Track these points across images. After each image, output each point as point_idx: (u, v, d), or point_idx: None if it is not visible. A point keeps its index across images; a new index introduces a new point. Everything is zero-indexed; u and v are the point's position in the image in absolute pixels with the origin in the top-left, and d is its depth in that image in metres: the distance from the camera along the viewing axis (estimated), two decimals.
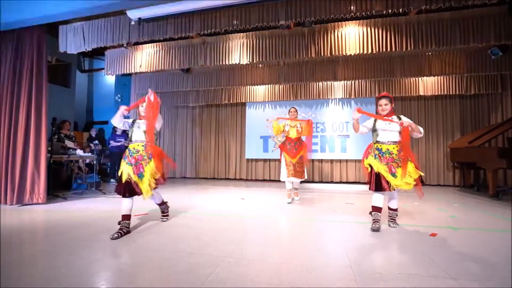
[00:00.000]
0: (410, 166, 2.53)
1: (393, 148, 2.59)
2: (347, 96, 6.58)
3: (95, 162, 5.32)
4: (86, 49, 4.67)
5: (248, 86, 6.89)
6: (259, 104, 7.61)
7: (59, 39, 4.72)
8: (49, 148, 4.19)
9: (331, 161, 7.13)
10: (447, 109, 6.61)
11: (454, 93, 6.07)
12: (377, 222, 2.59)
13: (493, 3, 3.40)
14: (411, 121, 2.58)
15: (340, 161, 7.08)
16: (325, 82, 6.51)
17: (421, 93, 6.24)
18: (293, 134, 4.01)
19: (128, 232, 2.49)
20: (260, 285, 1.52)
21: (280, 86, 6.89)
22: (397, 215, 2.78)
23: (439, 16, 4.19)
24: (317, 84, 6.70)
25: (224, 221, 3.01)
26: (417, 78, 6.11)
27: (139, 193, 2.46)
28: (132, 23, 4.11)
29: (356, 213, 3.39)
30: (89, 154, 5.49)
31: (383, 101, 2.65)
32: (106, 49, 5.78)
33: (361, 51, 4.44)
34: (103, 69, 6.42)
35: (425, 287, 1.50)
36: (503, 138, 5.46)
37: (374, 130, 2.71)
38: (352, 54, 4.54)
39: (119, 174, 2.51)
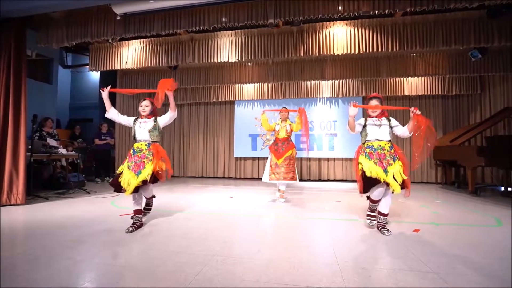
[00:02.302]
0: (398, 166, 2.44)
1: (385, 144, 2.51)
2: (335, 95, 6.69)
3: (79, 160, 5.16)
4: (68, 44, 4.51)
5: (237, 84, 6.86)
6: (247, 102, 7.60)
7: (40, 33, 4.53)
8: (30, 147, 4.02)
9: (319, 159, 7.22)
10: (430, 108, 6.83)
11: (436, 93, 6.29)
12: (372, 219, 2.60)
13: (473, 7, 3.54)
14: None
15: (328, 159, 7.18)
16: (313, 81, 6.57)
17: (406, 93, 6.42)
18: (282, 134, 3.97)
19: (141, 225, 2.64)
20: (248, 283, 1.52)
21: (269, 84, 6.91)
22: (387, 222, 2.60)
23: (423, 18, 4.31)
24: (306, 83, 6.76)
25: (212, 220, 3.00)
26: (402, 79, 6.28)
27: (124, 190, 2.47)
28: (118, 18, 3.99)
29: (343, 211, 3.45)
30: (73, 152, 5.31)
31: (374, 102, 2.62)
32: (90, 44, 5.60)
33: (349, 51, 4.51)
34: (87, 64, 6.22)
35: (408, 280, 1.55)
36: (481, 137, 5.70)
37: (363, 128, 2.62)
38: (340, 54, 4.60)
39: (118, 171, 2.60)
